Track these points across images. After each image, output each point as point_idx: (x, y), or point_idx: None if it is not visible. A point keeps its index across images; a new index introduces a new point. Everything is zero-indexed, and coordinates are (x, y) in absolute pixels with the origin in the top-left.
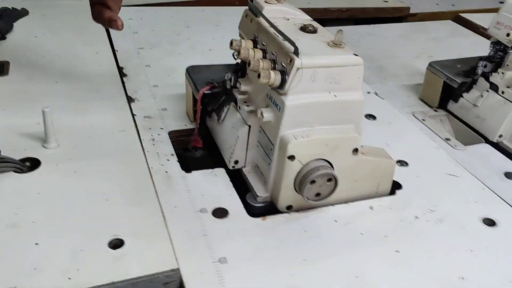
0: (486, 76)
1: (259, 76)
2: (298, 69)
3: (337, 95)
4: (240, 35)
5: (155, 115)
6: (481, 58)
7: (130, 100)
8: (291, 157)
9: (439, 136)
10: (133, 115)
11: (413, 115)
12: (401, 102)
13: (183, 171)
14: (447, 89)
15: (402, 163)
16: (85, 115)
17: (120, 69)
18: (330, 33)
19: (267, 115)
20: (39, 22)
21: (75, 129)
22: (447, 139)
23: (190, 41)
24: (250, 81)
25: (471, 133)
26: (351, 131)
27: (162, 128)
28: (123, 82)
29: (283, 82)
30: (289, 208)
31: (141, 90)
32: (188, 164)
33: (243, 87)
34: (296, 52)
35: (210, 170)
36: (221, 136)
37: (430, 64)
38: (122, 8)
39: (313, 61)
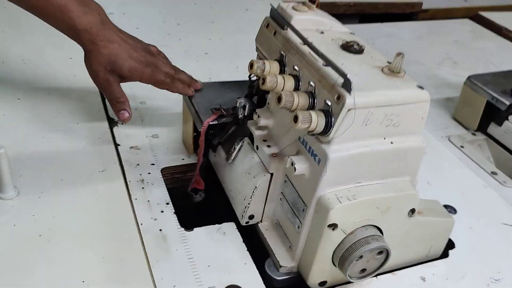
0: None
1: (295, 119)
2: (349, 110)
3: (394, 142)
4: (258, 50)
5: (144, 144)
6: None
7: (112, 123)
8: (333, 226)
9: (483, 169)
10: (116, 145)
11: (449, 140)
12: (433, 122)
13: (182, 228)
14: (490, 109)
15: (449, 209)
16: (55, 147)
17: None
18: (380, 54)
19: (300, 167)
20: None
21: (41, 169)
22: (493, 173)
23: (183, 43)
24: (272, 114)
25: None
26: (408, 187)
27: (153, 164)
28: (103, 99)
29: (328, 127)
30: (322, 285)
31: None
32: (187, 215)
33: (262, 121)
34: (348, 87)
35: (216, 226)
36: (231, 180)
37: (469, 79)
38: (101, 2)
39: (368, 98)
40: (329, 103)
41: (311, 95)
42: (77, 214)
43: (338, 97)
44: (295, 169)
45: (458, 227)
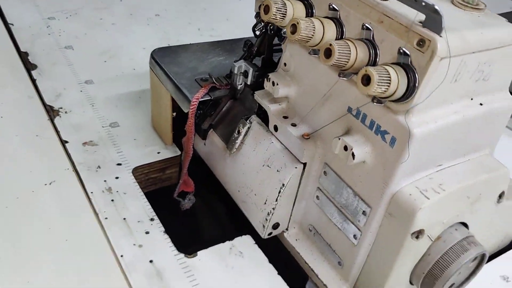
0: None
1: (366, 80)
2: (442, 59)
3: (483, 102)
4: None
5: (101, 137)
6: None
7: (51, 113)
8: (418, 233)
9: None
10: (62, 143)
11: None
12: None
13: (181, 254)
14: None
15: None
16: None
17: (22, 56)
18: None
19: (361, 152)
20: None
21: None
22: None
23: (125, 4)
24: (293, 78)
25: None
26: (497, 164)
27: (119, 164)
28: (32, 80)
29: (410, 89)
30: None
31: (67, 91)
32: (181, 233)
33: (281, 91)
34: (437, 25)
35: (227, 244)
36: (238, 176)
37: None
38: None
39: (464, 41)
40: (408, 52)
41: (370, 43)
42: (23, 262)
43: (422, 42)
44: (353, 155)
45: None
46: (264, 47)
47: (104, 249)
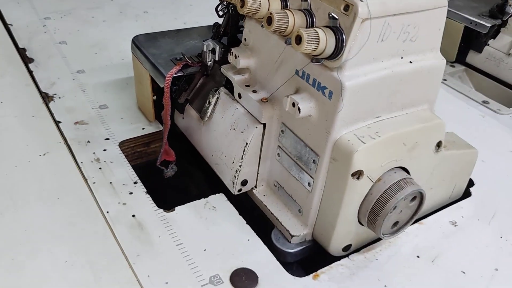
0: None
1: (298, 39)
2: (364, 20)
3: (413, 61)
4: None
5: (91, 117)
6: None
7: (46, 98)
8: (358, 174)
9: (473, 99)
10: (56, 122)
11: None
12: None
13: (161, 209)
14: (467, 37)
15: None
16: None
17: (20, 52)
18: None
19: (306, 106)
20: None
21: None
22: (485, 102)
23: (115, 3)
24: (252, 51)
25: (506, 91)
26: (433, 116)
27: (107, 139)
28: (29, 71)
29: (339, 46)
30: (347, 249)
31: (61, 80)
32: (163, 194)
33: (242, 62)
34: None
35: (203, 200)
36: (211, 142)
37: None
38: None
39: (384, 5)
40: (335, 17)
41: (307, 12)
42: (20, 214)
43: (347, 7)
44: (299, 110)
45: None
46: (229, 27)
47: (91, 207)
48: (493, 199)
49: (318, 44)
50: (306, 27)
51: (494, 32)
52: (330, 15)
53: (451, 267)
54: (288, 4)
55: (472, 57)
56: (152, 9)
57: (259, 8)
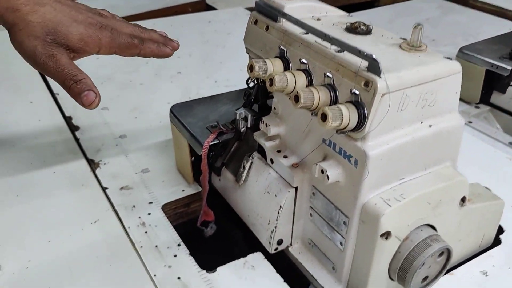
0: None
1: (323, 117)
2: (383, 95)
3: (432, 124)
4: (249, 51)
5: (135, 182)
6: None
7: (93, 165)
8: (386, 235)
9: (499, 141)
10: (103, 189)
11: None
12: None
13: (203, 271)
14: (490, 78)
15: None
16: (31, 205)
17: (67, 120)
18: (389, 32)
19: (334, 173)
20: None
21: (23, 234)
22: (511, 143)
23: (151, 66)
24: (282, 120)
25: None
26: (455, 173)
27: (151, 203)
28: (76, 139)
29: (362, 120)
30: None
31: (105, 146)
32: (204, 254)
33: (273, 130)
34: (376, 69)
35: (242, 260)
36: (247, 204)
37: (461, 51)
38: None
39: (400, 79)
40: (357, 92)
41: (331, 87)
42: (76, 281)
43: (367, 83)
44: (328, 177)
45: None
46: (259, 96)
47: (140, 271)
48: None
49: (342, 120)
50: (330, 102)
51: None
52: (352, 91)
53: None
54: (313, 79)
55: (496, 98)
56: (185, 69)
57: (287, 85)
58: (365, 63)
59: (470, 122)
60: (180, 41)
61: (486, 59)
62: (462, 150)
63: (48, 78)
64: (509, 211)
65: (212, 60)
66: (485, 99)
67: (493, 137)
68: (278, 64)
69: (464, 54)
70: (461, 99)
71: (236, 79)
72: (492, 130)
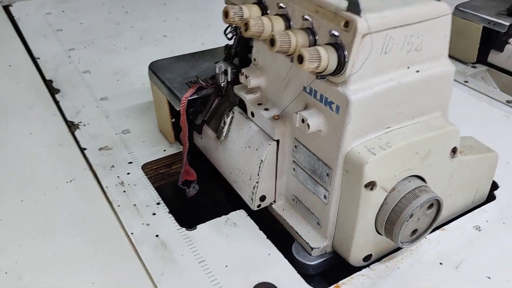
0: None
1: (300, 59)
2: (364, 35)
3: (420, 70)
4: (227, 1)
5: (114, 142)
6: None
7: (72, 126)
8: (371, 185)
9: (496, 100)
10: (81, 149)
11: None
12: None
13: (183, 228)
14: (487, 37)
15: None
16: (8, 163)
17: (48, 83)
18: None
19: (314, 121)
20: None
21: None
22: (509, 102)
23: (136, 30)
24: (262, 71)
25: None
26: (445, 123)
27: (130, 163)
28: (56, 102)
29: (342, 63)
30: (367, 259)
31: (85, 108)
32: (185, 213)
33: (253, 81)
34: (356, 8)
35: (223, 217)
36: (228, 161)
37: (457, 9)
38: (35, 1)
39: (383, 19)
40: (336, 34)
41: (309, 31)
42: (49, 239)
43: (346, 24)
44: (308, 126)
45: None
46: (240, 48)
47: (116, 229)
48: None
49: (320, 62)
50: (309, 46)
51: None
52: (331, 33)
53: (476, 273)
54: (291, 24)
55: (494, 57)
56: (171, 33)
57: (263, 30)
58: (344, 3)
59: (466, 81)
60: (168, 5)
61: (483, 15)
62: (457, 108)
63: (28, 41)
64: (504, 167)
65: (200, 23)
66: (482, 59)
67: (490, 96)
68: (255, 10)
69: (460, 12)
70: (457, 59)
71: (224, 42)
72: (489, 89)
